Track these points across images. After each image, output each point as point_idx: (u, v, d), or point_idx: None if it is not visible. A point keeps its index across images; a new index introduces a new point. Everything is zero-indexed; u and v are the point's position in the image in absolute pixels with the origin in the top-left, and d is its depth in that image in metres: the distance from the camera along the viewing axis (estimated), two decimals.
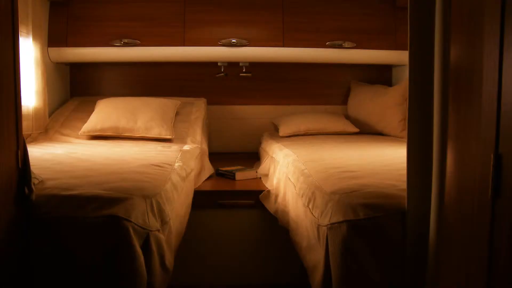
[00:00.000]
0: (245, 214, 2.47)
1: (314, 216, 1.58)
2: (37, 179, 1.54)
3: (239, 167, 2.90)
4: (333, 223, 1.43)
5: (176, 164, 2.08)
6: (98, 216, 1.40)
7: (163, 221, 1.59)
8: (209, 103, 3.63)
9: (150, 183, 1.64)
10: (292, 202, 2.02)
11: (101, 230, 1.40)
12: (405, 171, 1.71)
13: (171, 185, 1.76)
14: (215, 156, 3.28)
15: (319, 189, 1.63)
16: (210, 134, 3.58)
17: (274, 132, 3.57)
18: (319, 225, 1.51)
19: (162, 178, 1.75)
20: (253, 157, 3.49)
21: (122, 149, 2.48)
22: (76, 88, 3.66)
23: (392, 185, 1.52)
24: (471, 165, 1.13)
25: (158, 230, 1.52)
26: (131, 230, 1.40)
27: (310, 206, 1.65)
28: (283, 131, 3.31)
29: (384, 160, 2.10)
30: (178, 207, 1.85)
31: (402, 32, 3.44)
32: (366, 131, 3.49)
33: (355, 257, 1.37)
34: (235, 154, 3.63)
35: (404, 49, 3.43)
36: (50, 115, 3.19)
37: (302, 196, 1.80)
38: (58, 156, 2.14)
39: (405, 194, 1.41)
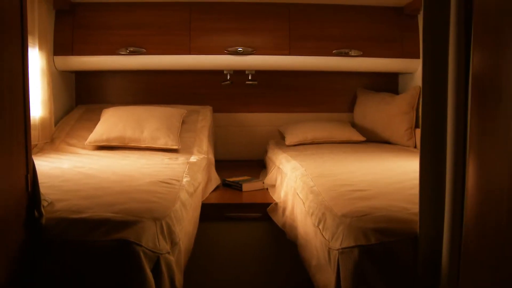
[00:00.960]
0: (253, 226, 2.46)
1: (325, 238, 1.57)
2: (46, 201, 1.53)
3: (245, 177, 2.89)
4: (344, 247, 1.42)
5: (184, 180, 2.07)
6: (108, 240, 1.40)
7: (173, 243, 1.58)
8: (215, 110, 3.63)
9: (160, 204, 1.63)
10: (301, 218, 2.01)
11: (111, 254, 1.39)
12: (415, 190, 1.71)
13: (180, 204, 1.75)
14: (220, 163, 3.27)
15: (329, 210, 1.62)
16: (216, 141, 3.57)
17: (280, 140, 3.56)
18: (330, 248, 1.50)
19: (171, 198, 1.74)
20: (259, 165, 3.48)
21: (129, 161, 2.47)
22: (81, 96, 3.66)
23: (403, 208, 1.51)
24: (497, 178, 1.08)
25: (168, 253, 1.51)
26: (142, 255, 1.39)
27: (320, 227, 1.64)
28: (289, 140, 3.30)
29: (394, 175, 2.08)
30: (187, 224, 1.84)
31: (409, 40, 3.42)
32: (373, 139, 3.47)
33: (367, 282, 1.36)
34: (240, 162, 3.62)
35: (411, 57, 3.41)
36: (55, 123, 3.19)
37: (311, 215, 1.78)
38: (65, 171, 2.13)
39: (416, 218, 1.40)
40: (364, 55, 3.38)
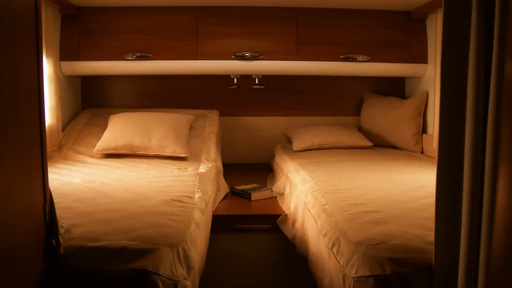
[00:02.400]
0: (263, 238, 2.47)
1: (339, 263, 1.59)
2: (62, 227, 1.54)
3: (254, 185, 2.90)
4: (360, 276, 1.44)
5: (196, 196, 2.08)
6: (126, 270, 1.41)
7: (189, 267, 1.59)
8: (222, 114, 3.63)
9: (175, 228, 1.64)
10: (312, 235, 2.02)
11: (129, 284, 1.41)
12: (428, 213, 1.72)
13: (194, 226, 1.77)
14: (228, 167, 3.28)
15: (343, 235, 1.63)
16: (223, 145, 3.58)
17: (286, 144, 3.56)
18: (345, 274, 1.52)
19: (185, 220, 1.75)
20: (266, 169, 3.49)
21: (139, 174, 2.47)
22: (87, 99, 3.65)
23: (417, 236, 1.52)
24: None
25: (185, 278, 1.53)
26: (160, 283, 1.41)
27: (334, 251, 1.65)
28: (296, 145, 3.31)
29: (405, 191, 2.09)
30: (200, 244, 1.86)
31: (417, 45, 3.40)
32: (379, 143, 3.48)
33: None
34: (247, 166, 3.63)
35: (418, 62, 3.40)
36: (63, 128, 3.19)
37: (324, 236, 1.79)
38: (77, 188, 2.13)
39: (431, 247, 1.41)
40: (372, 60, 3.36)
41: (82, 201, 1.91)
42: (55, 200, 1.58)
